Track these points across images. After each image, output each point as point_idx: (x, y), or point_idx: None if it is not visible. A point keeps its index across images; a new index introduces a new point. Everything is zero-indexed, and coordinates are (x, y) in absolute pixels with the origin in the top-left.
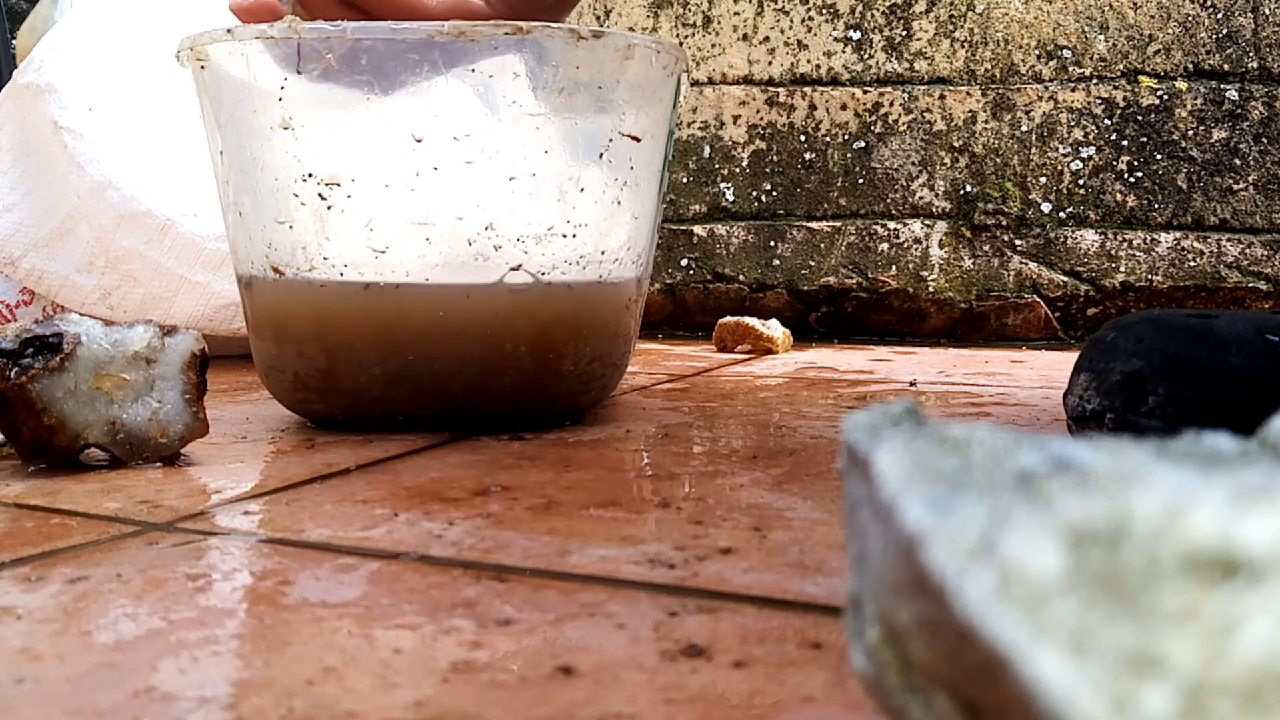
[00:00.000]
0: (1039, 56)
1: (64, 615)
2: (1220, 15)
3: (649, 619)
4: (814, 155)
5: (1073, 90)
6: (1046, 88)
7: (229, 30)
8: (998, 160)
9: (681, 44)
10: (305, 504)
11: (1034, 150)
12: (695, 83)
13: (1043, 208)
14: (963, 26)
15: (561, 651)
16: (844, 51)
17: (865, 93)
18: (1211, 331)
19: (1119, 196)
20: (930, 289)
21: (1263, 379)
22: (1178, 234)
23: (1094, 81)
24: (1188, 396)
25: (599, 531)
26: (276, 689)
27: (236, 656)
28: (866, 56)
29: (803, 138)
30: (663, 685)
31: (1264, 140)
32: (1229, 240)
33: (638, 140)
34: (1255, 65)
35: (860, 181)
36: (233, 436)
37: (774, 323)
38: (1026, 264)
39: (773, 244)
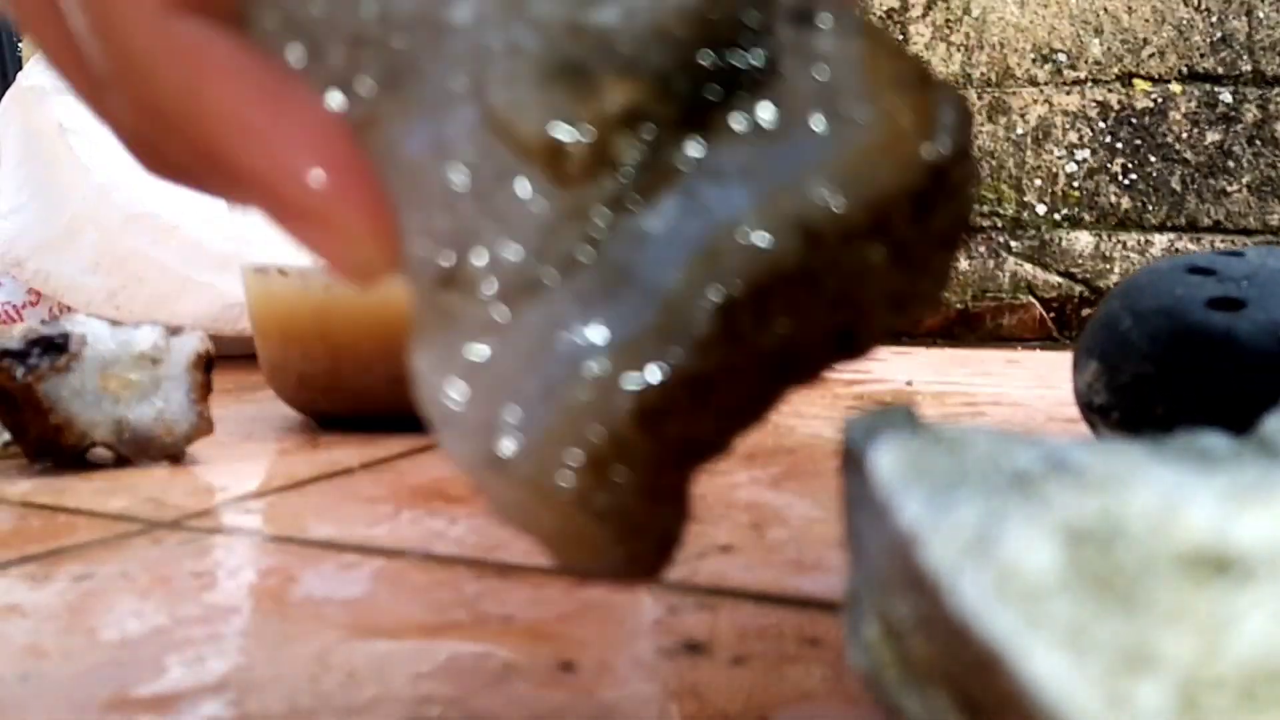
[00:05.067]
0: (1034, 60)
1: (70, 612)
2: (1214, 19)
3: (649, 615)
4: None
5: (1067, 93)
6: (1041, 91)
7: None
8: (993, 163)
9: None
10: (309, 502)
11: (1029, 153)
12: None
13: (1038, 209)
14: (959, 30)
15: (562, 648)
16: None
17: None
18: (1231, 340)
19: (1113, 198)
20: None
21: (1277, 397)
22: (1171, 235)
23: (1089, 85)
24: (1197, 410)
25: None
26: (281, 685)
27: (241, 653)
28: None
29: None
30: (663, 681)
31: (1257, 143)
32: (1223, 241)
33: None
34: (1249, 68)
35: None
36: (238, 436)
37: None
38: (1021, 265)
39: None
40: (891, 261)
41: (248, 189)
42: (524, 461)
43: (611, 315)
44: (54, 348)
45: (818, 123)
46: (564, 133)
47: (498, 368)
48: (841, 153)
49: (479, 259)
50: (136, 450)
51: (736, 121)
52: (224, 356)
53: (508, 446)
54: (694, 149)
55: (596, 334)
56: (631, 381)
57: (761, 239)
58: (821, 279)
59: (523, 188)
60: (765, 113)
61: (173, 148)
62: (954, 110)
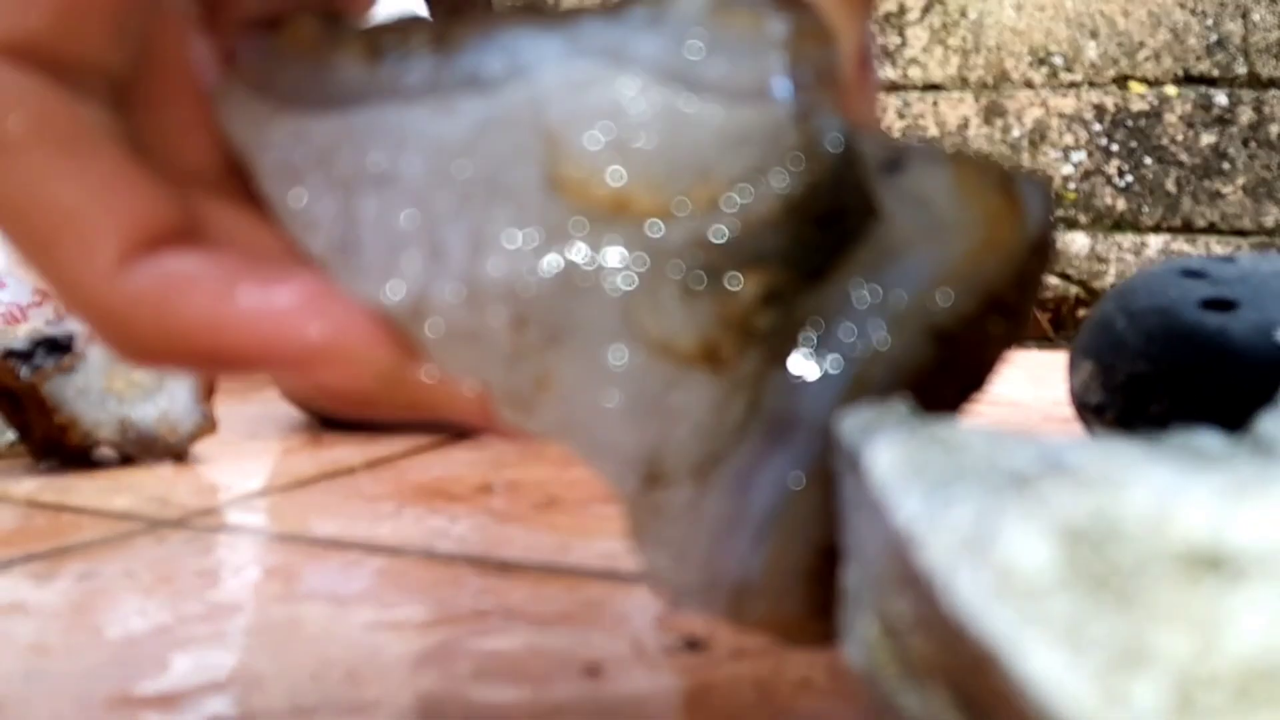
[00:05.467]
0: (1030, 63)
1: (74, 610)
2: (1210, 22)
3: (650, 612)
4: None
5: (1063, 96)
6: (1038, 94)
7: None
8: None
9: None
10: (313, 501)
11: (1025, 155)
12: None
13: None
14: (955, 34)
15: (564, 645)
16: None
17: None
18: (1224, 339)
19: (1109, 200)
20: None
21: (1272, 392)
22: (1167, 237)
23: (1084, 87)
24: (1191, 408)
25: (601, 527)
26: (284, 682)
27: (244, 651)
28: None
29: None
30: (664, 677)
31: (1252, 145)
32: (1217, 242)
33: None
34: (1244, 71)
35: None
36: (242, 435)
37: None
38: None
39: None
40: (1004, 318)
41: (254, 367)
42: (759, 602)
43: (789, 457)
44: (58, 347)
45: (925, 243)
46: (716, 334)
47: (710, 534)
48: (952, 260)
49: (668, 456)
50: (141, 449)
51: (854, 262)
52: None
53: (741, 599)
54: (822, 296)
55: (780, 477)
56: (821, 505)
57: (899, 355)
58: (954, 362)
59: (688, 387)
60: (877, 250)
61: (167, 364)
62: (1039, 193)
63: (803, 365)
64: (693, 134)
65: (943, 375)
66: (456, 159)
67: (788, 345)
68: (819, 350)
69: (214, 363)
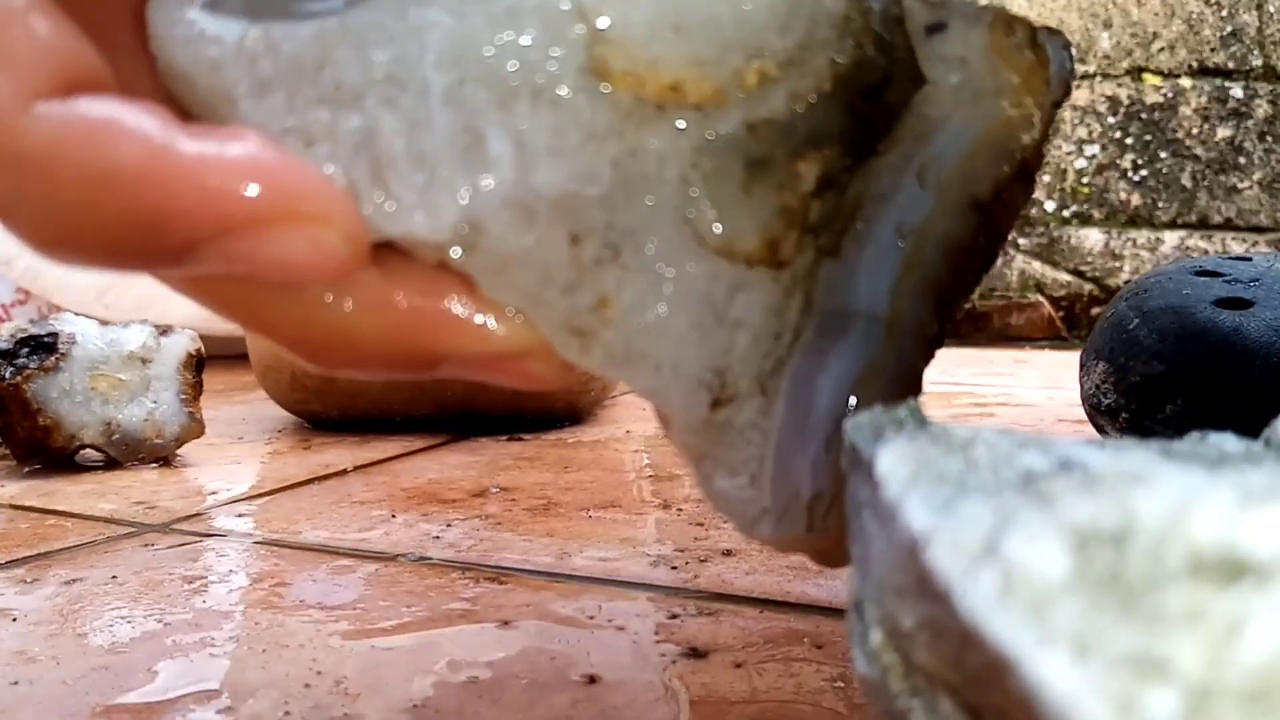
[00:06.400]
0: None
1: (59, 617)
2: (1225, 13)
3: (650, 621)
4: None
5: (1076, 88)
6: None
7: None
8: None
9: None
10: (302, 505)
11: None
12: None
13: (1046, 206)
14: None
15: (561, 654)
16: None
17: None
18: (1240, 337)
19: (1123, 195)
20: None
21: None
22: (1182, 233)
23: (1098, 79)
24: (1205, 408)
25: (599, 533)
26: (273, 691)
27: (233, 659)
28: None
29: None
30: (664, 687)
31: (1269, 138)
32: (1234, 239)
33: None
34: (1260, 63)
35: None
36: (229, 437)
37: None
38: (1030, 263)
39: None
40: (1024, 185)
41: (191, 239)
42: (836, 512)
43: (847, 354)
44: (42, 347)
45: (963, 110)
46: (777, 229)
47: (780, 446)
48: (989, 126)
49: (733, 368)
50: (126, 452)
51: (899, 137)
52: (215, 356)
53: (818, 511)
54: (868, 178)
55: (841, 377)
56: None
57: (946, 230)
58: (985, 230)
59: (750, 290)
60: (920, 121)
61: (93, 234)
62: (1062, 50)
63: (852, 255)
64: (739, 10)
65: (974, 246)
66: (483, 55)
67: (838, 235)
68: (868, 237)
69: (142, 229)
